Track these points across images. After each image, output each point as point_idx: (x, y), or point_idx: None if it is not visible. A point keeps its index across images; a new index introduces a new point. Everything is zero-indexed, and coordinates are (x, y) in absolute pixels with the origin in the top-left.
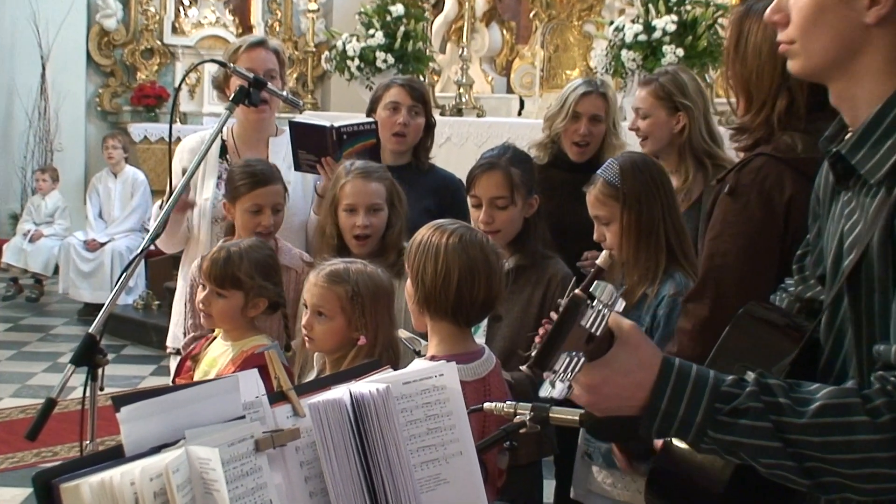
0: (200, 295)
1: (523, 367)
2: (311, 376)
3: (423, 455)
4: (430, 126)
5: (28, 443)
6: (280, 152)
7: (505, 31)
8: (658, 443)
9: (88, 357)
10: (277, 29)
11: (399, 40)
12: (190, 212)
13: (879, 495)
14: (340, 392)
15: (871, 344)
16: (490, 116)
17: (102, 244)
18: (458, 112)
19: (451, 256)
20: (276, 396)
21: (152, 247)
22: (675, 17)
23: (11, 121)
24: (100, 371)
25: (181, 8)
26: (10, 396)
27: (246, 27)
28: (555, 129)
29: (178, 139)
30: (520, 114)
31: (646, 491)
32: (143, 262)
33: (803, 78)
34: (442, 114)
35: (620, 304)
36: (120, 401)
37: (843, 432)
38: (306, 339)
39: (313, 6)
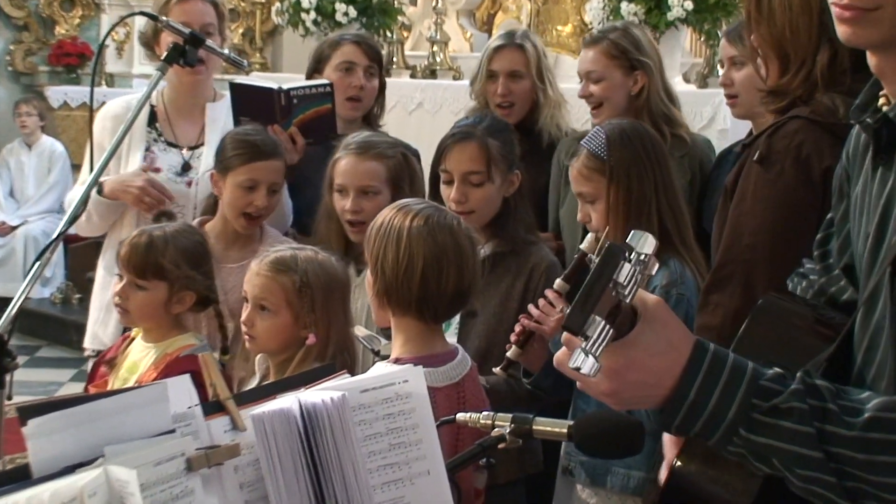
0: (117, 286)
1: (497, 370)
2: (254, 383)
3: (384, 475)
4: (382, 89)
5: None
6: (218, 120)
7: None
8: (662, 475)
9: None
10: None
11: None
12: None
13: None
14: (288, 402)
15: None
16: (469, 79)
17: (14, 228)
18: (432, 74)
19: (416, 241)
20: (212, 407)
21: (72, 230)
22: None
23: None
24: (7, 377)
25: None
26: None
27: None
28: (476, 92)
29: (103, 105)
30: None
31: None
32: (61, 248)
33: (860, 47)
34: (412, 76)
35: (654, 266)
36: (27, 412)
37: (893, 452)
38: (246, 337)
39: None
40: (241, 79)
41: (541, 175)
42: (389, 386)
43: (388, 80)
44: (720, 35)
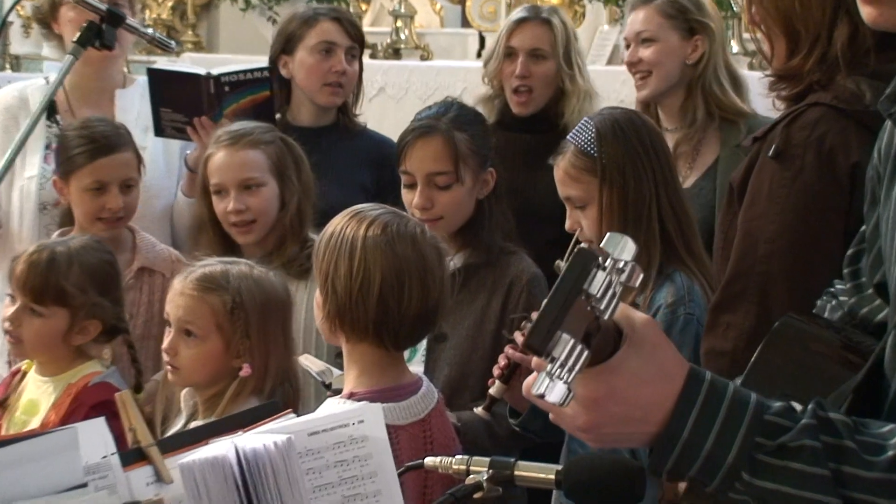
0: (8, 310)
1: (479, 410)
2: (180, 424)
3: None
4: (360, 74)
5: None
6: (131, 110)
7: None
8: None
9: None
10: None
11: None
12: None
13: None
14: (223, 448)
15: None
16: (439, 59)
17: None
18: (396, 54)
19: (372, 254)
20: (132, 455)
21: None
22: None
23: None
24: None
25: None
26: None
27: None
28: (489, 74)
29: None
30: (479, 55)
31: None
32: None
33: (891, 29)
34: (373, 56)
35: (638, 277)
36: None
37: None
38: (169, 368)
39: None
40: (161, 63)
41: None
42: (342, 427)
43: None
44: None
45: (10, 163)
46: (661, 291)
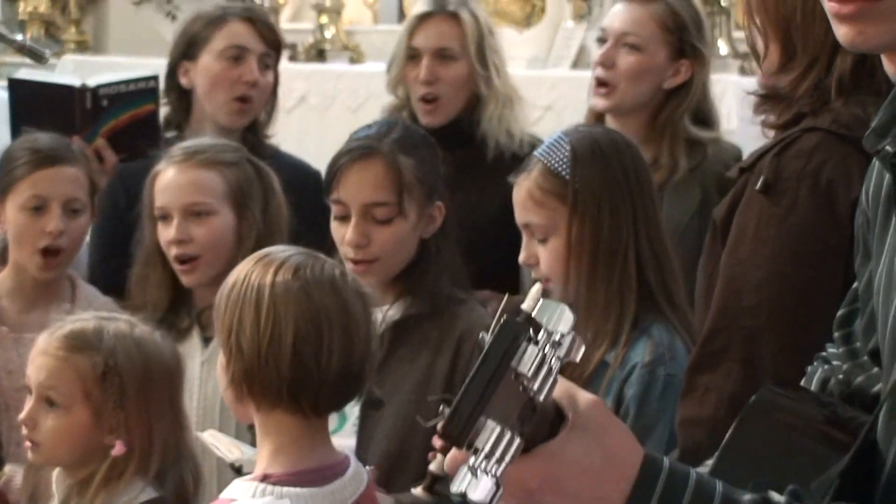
0: None
1: (419, 490)
2: None
3: None
4: (275, 86)
5: None
6: None
7: None
8: None
9: None
10: None
11: None
12: None
13: None
14: None
15: None
16: (373, 62)
17: None
18: (320, 55)
19: (283, 302)
20: None
21: None
22: None
23: None
24: None
25: None
26: None
27: None
28: (392, 82)
29: None
30: None
31: None
32: None
33: (871, 51)
34: (293, 58)
35: (580, 349)
36: None
37: None
38: (28, 443)
39: None
40: (24, 72)
41: (484, 203)
42: None
43: None
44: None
45: None
46: (637, 348)
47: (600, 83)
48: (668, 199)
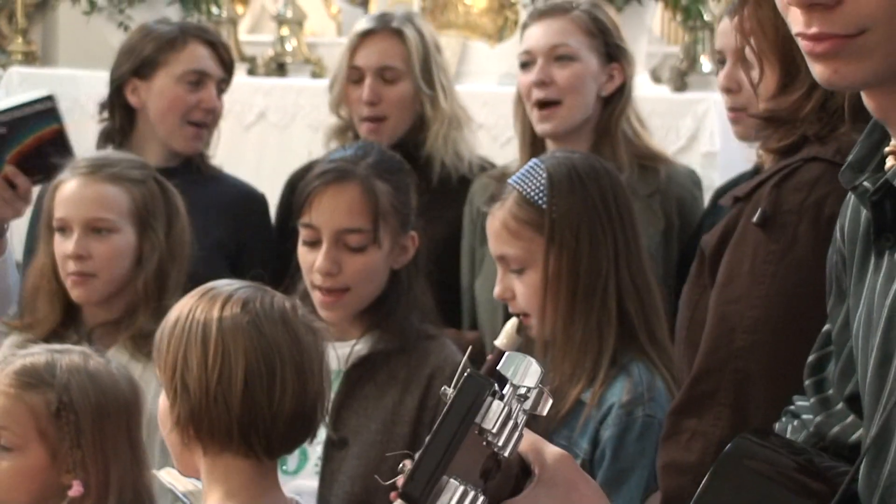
0: None
1: None
2: None
3: None
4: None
5: None
6: None
7: None
8: None
9: None
10: None
11: None
12: None
13: None
14: None
15: None
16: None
17: None
18: (280, 69)
19: (231, 337)
20: None
21: None
22: None
23: None
24: None
25: None
26: None
27: None
28: (333, 101)
29: None
30: None
31: None
32: None
33: (848, 89)
34: (251, 72)
35: (546, 403)
36: None
37: None
38: None
39: None
40: None
41: (432, 226)
42: None
43: None
44: (708, 13)
45: None
46: (615, 387)
47: (542, 105)
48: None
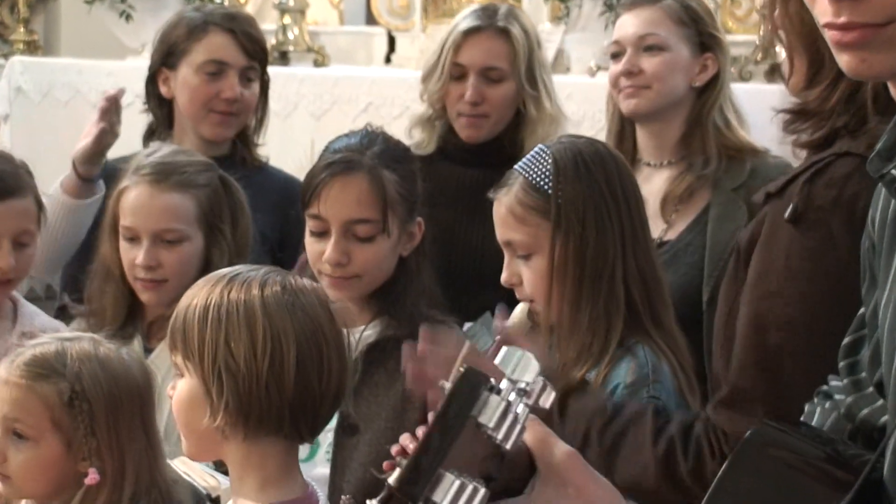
0: None
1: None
2: None
3: None
4: (264, 92)
5: None
6: None
7: None
8: None
9: None
10: None
11: None
12: None
13: None
14: None
15: None
16: (338, 65)
17: None
18: (282, 58)
19: (279, 318)
20: None
21: None
22: None
23: None
24: None
25: None
26: None
27: None
28: (431, 94)
29: None
30: (389, 61)
31: None
32: None
33: (876, 79)
34: None
35: (549, 397)
36: None
37: None
38: None
39: None
40: None
41: None
42: None
43: None
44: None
45: None
46: (621, 367)
47: (628, 88)
48: (713, 220)
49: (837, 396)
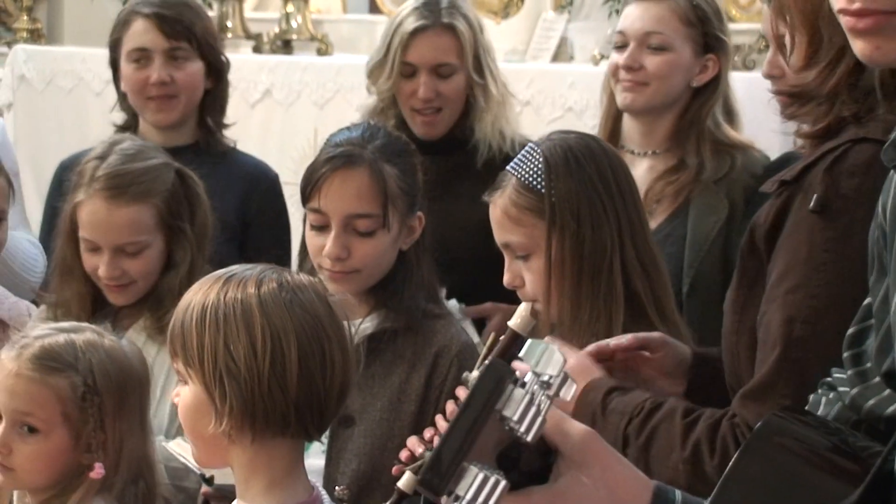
0: None
1: None
2: None
3: None
4: (218, 72)
5: None
6: None
7: None
8: None
9: None
10: None
11: None
12: None
13: None
14: None
15: None
16: (341, 54)
17: None
18: (286, 47)
19: (278, 315)
20: None
21: None
22: None
23: None
24: None
25: None
26: None
27: None
28: (381, 90)
29: None
30: None
31: None
32: None
33: (886, 66)
34: (257, 49)
35: (570, 389)
36: None
37: None
38: (0, 468)
39: None
40: None
41: (476, 207)
42: None
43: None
44: None
45: None
46: None
47: (628, 83)
48: (694, 212)
49: (841, 388)
